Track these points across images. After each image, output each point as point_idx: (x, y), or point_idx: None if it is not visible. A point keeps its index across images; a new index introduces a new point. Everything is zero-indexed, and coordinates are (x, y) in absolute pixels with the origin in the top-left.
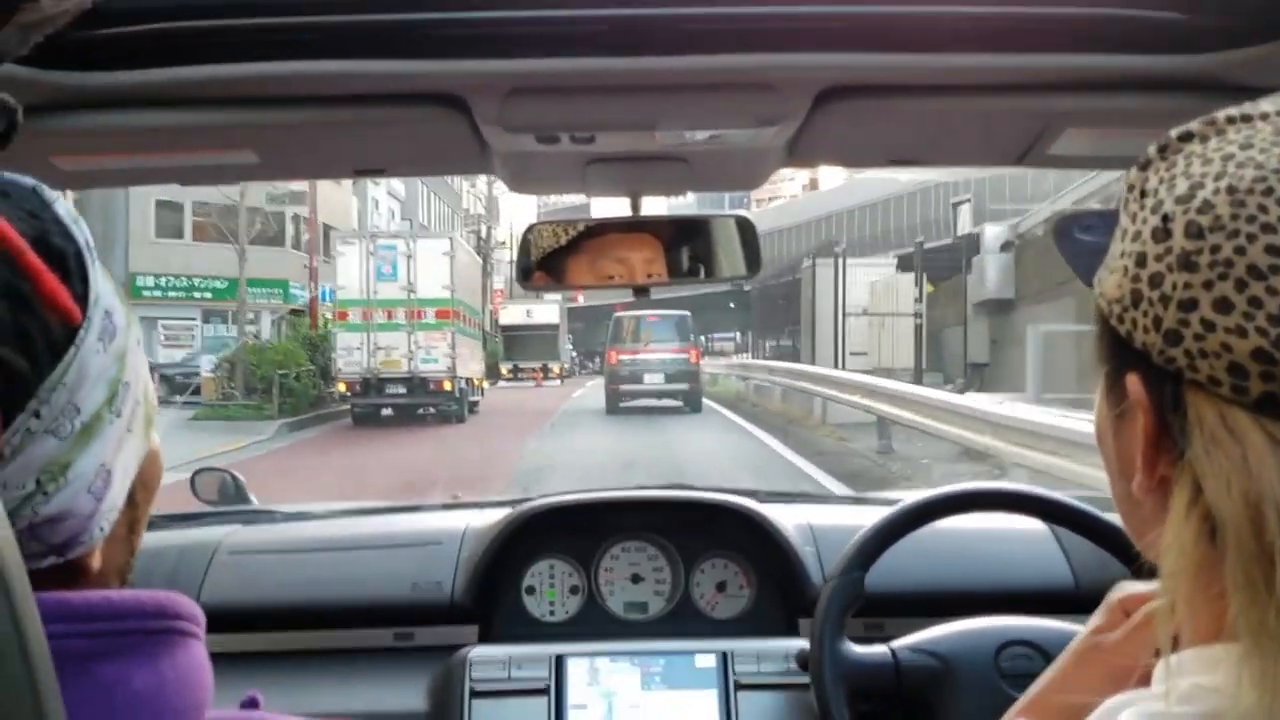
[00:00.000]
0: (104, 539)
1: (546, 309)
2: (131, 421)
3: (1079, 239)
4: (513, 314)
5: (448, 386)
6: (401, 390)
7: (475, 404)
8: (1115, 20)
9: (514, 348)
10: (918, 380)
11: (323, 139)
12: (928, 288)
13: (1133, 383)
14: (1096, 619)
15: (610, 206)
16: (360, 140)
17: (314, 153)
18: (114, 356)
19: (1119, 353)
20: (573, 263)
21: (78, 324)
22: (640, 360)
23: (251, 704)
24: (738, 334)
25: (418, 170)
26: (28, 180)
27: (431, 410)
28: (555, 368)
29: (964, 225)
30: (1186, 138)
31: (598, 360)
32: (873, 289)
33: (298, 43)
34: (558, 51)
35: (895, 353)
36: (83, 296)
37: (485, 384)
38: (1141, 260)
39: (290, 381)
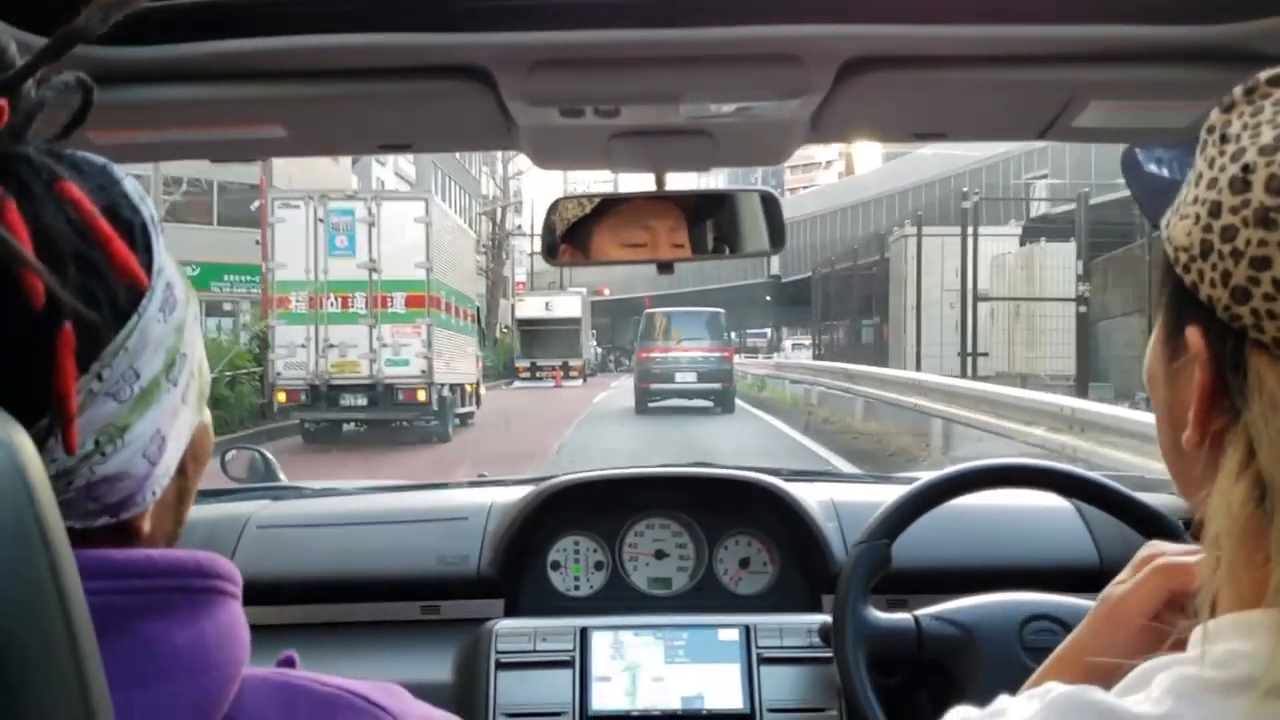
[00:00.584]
0: (155, 504)
1: (567, 301)
2: (186, 392)
3: (1149, 173)
4: (530, 307)
5: (422, 397)
6: (361, 401)
7: (468, 415)
8: None
9: (532, 344)
10: (1082, 393)
11: (350, 113)
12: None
13: (1193, 335)
14: (1121, 576)
15: (635, 186)
16: (386, 114)
17: (341, 127)
18: (173, 327)
19: (1182, 302)
20: (598, 234)
21: (142, 291)
22: (671, 358)
23: (288, 664)
24: (770, 330)
25: (443, 145)
26: (98, 158)
27: (406, 424)
28: (576, 365)
29: (1040, 205)
30: (1276, 82)
31: (628, 358)
32: (995, 266)
33: (326, 16)
34: (582, 23)
35: (1034, 353)
36: (147, 266)
37: (482, 389)
38: (1216, 210)
39: (221, 389)
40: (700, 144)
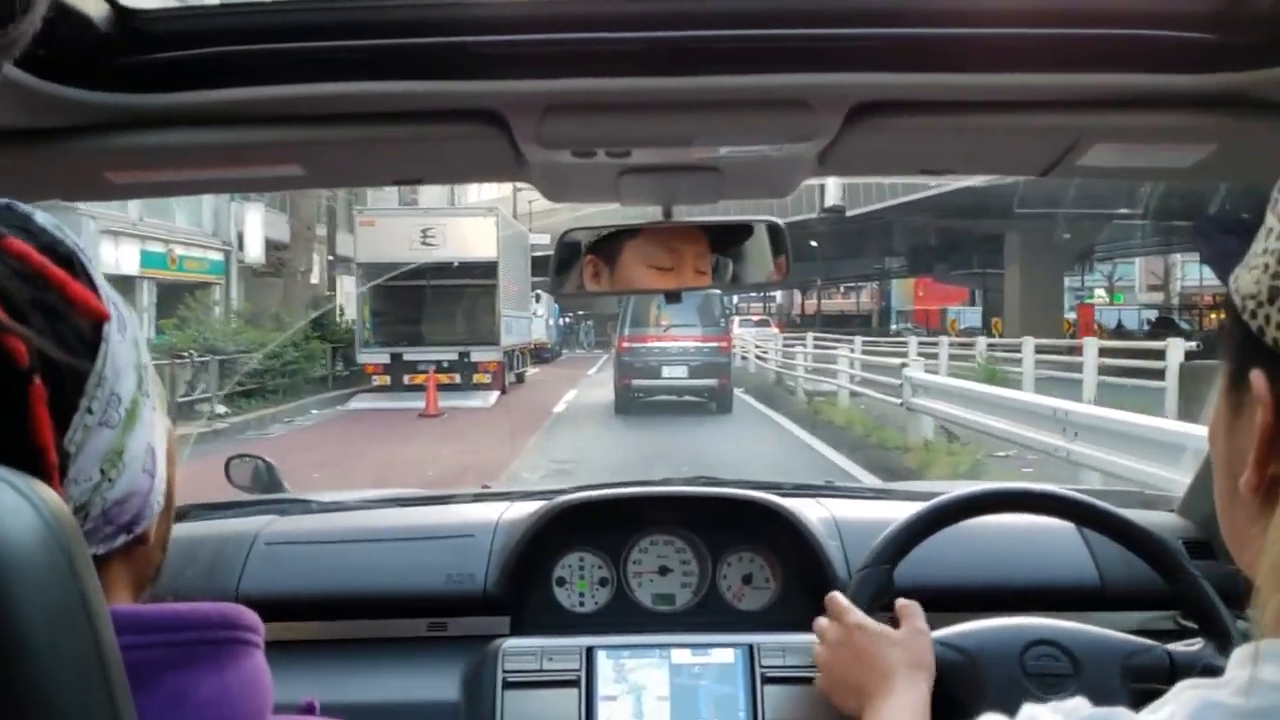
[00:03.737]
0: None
1: (468, 228)
2: (154, 400)
3: (1221, 240)
4: (390, 239)
5: None
6: None
7: None
8: (1145, 39)
9: (394, 316)
10: None
11: (366, 153)
12: None
13: (1257, 378)
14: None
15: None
16: (402, 154)
17: (357, 164)
18: (132, 343)
19: (1246, 348)
20: (624, 256)
21: (103, 320)
22: (658, 349)
23: (309, 709)
24: (778, 295)
25: (455, 179)
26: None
27: None
28: (488, 361)
29: None
30: None
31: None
32: None
33: (344, 64)
34: (594, 71)
35: None
36: (96, 295)
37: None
38: None
39: None
40: (708, 179)
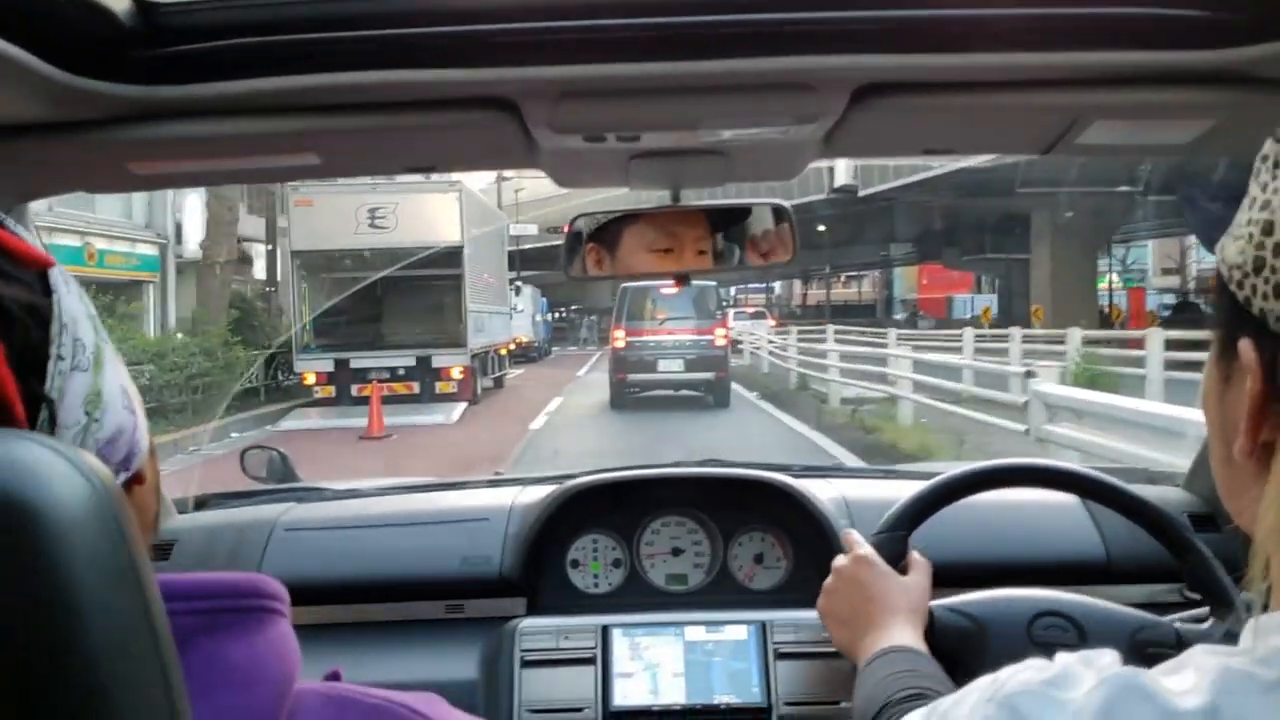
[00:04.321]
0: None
1: (431, 207)
2: (110, 346)
3: (1206, 207)
4: (330, 221)
5: None
6: None
7: None
8: (1144, 17)
9: (341, 317)
10: None
11: (381, 141)
12: None
13: (1245, 348)
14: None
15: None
16: (416, 141)
17: (372, 153)
18: (77, 293)
19: (1234, 318)
20: (625, 241)
21: (47, 269)
22: (653, 343)
23: (334, 677)
24: (776, 286)
25: (467, 166)
26: None
27: None
28: (453, 367)
29: None
30: None
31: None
32: None
33: (361, 53)
34: (605, 57)
35: None
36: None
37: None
38: (1269, 229)
39: None
40: (716, 163)
